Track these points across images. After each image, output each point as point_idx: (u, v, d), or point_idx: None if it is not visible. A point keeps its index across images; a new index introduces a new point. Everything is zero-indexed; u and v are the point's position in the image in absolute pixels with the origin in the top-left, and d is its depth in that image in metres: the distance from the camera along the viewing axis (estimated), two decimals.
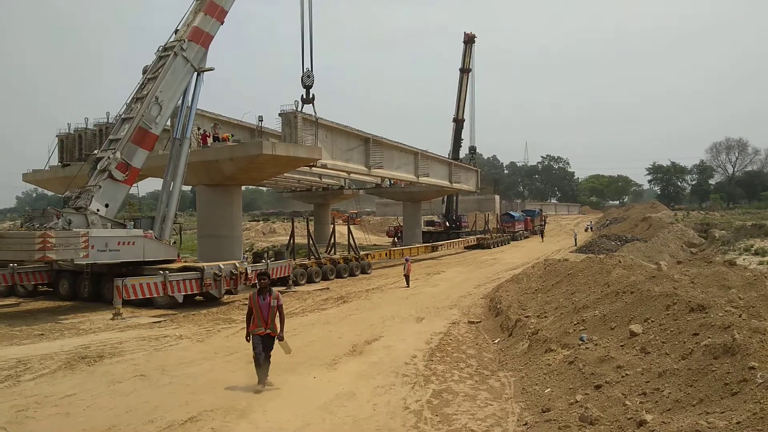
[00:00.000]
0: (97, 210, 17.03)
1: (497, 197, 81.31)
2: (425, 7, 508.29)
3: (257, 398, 8.14)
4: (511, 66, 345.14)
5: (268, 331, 8.63)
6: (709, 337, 6.56)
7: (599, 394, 6.69)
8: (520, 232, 58.48)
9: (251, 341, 8.67)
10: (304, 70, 25.31)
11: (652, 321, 8.16)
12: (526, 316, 12.29)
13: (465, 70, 51.24)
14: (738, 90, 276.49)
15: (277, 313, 8.74)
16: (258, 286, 8.83)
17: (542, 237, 57.32)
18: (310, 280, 23.27)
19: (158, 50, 19.65)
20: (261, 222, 73.91)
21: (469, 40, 51.38)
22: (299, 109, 24.62)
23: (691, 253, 33.76)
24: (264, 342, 8.63)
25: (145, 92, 18.59)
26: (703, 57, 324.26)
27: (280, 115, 24.60)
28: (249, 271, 18.50)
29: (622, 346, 7.92)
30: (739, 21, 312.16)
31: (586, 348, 8.35)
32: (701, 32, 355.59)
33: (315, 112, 25.47)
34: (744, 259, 25.94)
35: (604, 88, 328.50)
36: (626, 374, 6.89)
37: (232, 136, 25.11)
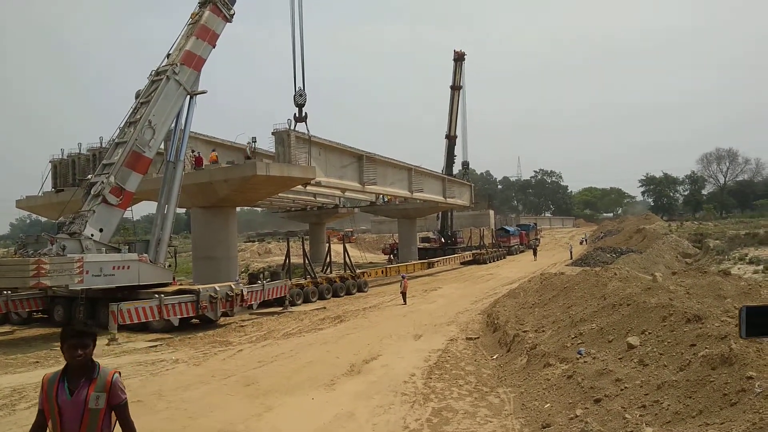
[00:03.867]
0: (92, 235, 16.98)
1: (492, 212, 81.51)
2: (420, 26, 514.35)
3: (255, 421, 8.06)
4: (501, 80, 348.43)
5: None
6: (706, 348, 6.58)
7: (599, 408, 6.67)
8: (516, 246, 58.36)
9: None
10: (297, 89, 25.57)
11: (649, 333, 8.17)
12: (524, 331, 12.27)
13: (456, 87, 51.74)
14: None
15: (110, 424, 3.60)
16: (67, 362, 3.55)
17: (535, 255, 50.54)
18: (306, 300, 23.19)
19: (151, 74, 19.79)
20: (256, 243, 73.84)
21: (459, 57, 51.99)
22: (292, 127, 24.79)
23: (686, 264, 33.86)
24: None
25: (138, 116, 18.67)
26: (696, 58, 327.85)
27: (273, 133, 24.73)
28: (245, 293, 18.45)
29: (620, 358, 7.91)
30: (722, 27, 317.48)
31: (585, 362, 8.34)
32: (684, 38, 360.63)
33: (308, 131, 25.63)
34: (738, 269, 26.09)
35: (601, 93, 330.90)
36: (625, 387, 6.88)
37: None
